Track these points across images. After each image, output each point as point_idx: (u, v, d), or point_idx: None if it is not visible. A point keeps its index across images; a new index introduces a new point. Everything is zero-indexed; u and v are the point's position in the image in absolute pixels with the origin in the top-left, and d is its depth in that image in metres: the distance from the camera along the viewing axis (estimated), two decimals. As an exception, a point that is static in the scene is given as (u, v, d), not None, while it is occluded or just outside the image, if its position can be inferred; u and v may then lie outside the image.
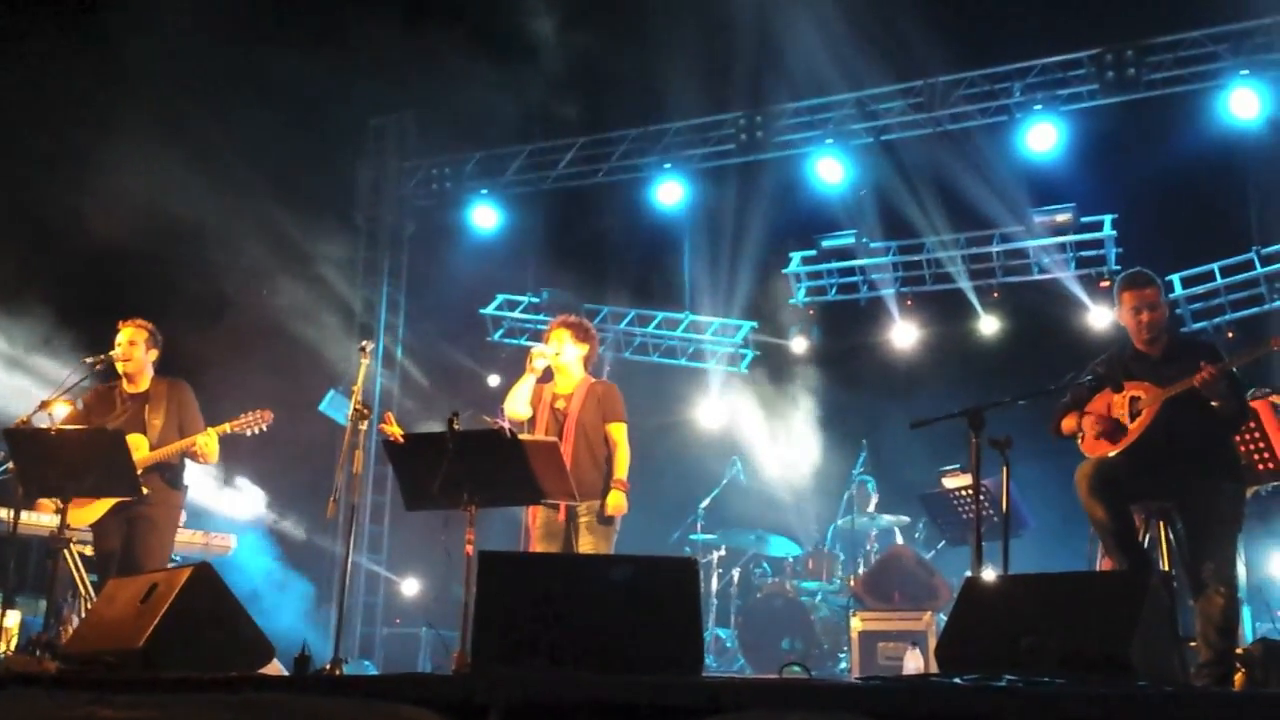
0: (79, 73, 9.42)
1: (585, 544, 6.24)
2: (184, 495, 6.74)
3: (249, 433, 6.63)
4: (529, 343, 12.16)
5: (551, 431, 6.36)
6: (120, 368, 6.66)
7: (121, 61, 9.37)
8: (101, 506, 6.39)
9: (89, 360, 6.57)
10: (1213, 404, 5.03)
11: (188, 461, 6.66)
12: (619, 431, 6.51)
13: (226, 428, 6.57)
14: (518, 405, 6.47)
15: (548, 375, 6.68)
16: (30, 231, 9.50)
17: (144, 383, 6.72)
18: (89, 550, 6.57)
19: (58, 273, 9.60)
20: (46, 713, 3.72)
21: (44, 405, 6.47)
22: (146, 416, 6.57)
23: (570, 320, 6.74)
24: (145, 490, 6.33)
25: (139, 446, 6.42)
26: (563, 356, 6.58)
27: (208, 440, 6.49)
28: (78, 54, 9.45)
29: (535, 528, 6.39)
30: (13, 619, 6.37)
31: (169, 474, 6.57)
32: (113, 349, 6.63)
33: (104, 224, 9.19)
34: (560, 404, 6.53)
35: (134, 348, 6.65)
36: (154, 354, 6.76)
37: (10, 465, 6.23)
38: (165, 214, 9.45)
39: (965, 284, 10.64)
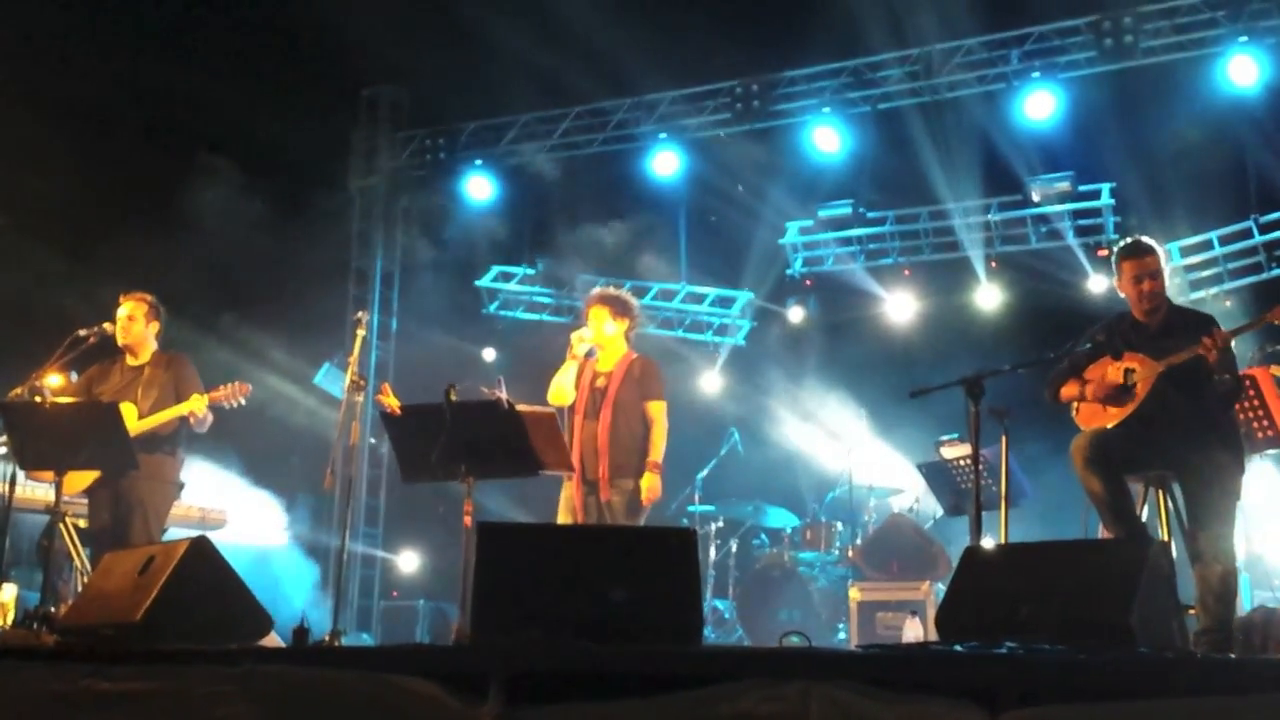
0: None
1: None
2: (178, 470, 6.56)
3: (227, 405, 6.40)
4: (524, 315, 12.16)
5: (590, 410, 6.26)
6: (119, 340, 6.55)
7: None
8: (90, 474, 6.27)
9: (83, 332, 6.46)
10: (1213, 378, 4.97)
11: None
12: (658, 410, 6.41)
13: (205, 398, 6.41)
14: (564, 394, 6.33)
15: (590, 351, 6.51)
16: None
17: (145, 356, 6.61)
18: (84, 523, 6.45)
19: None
20: (44, 686, 3.72)
21: (36, 377, 6.36)
22: (140, 389, 6.45)
23: (607, 295, 6.54)
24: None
25: (126, 417, 6.35)
26: (603, 334, 6.42)
27: (200, 402, 6.31)
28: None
29: (561, 501, 6.28)
30: (9, 593, 6.33)
31: (163, 447, 6.41)
32: (112, 321, 6.52)
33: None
34: (600, 381, 6.39)
35: (133, 322, 6.54)
36: (155, 326, 6.65)
37: (4, 438, 6.18)
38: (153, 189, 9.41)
39: (963, 253, 10.62)
